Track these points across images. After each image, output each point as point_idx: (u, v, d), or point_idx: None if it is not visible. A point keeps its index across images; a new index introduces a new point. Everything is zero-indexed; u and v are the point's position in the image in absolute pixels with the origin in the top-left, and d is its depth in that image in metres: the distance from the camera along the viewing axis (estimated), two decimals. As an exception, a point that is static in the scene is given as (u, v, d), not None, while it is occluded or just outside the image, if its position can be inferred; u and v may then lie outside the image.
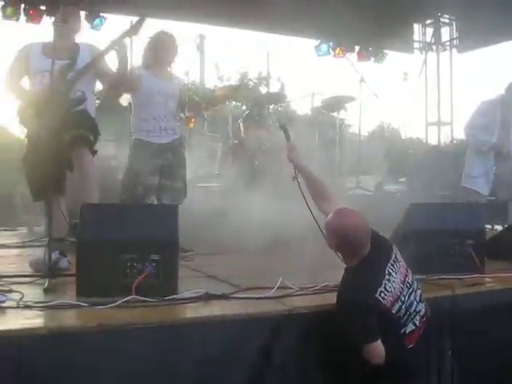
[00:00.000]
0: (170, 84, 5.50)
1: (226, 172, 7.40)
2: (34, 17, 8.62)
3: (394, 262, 3.11)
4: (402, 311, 2.98)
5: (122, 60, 4.70)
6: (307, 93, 8.95)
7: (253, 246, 4.96)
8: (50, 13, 8.64)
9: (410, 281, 3.10)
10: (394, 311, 2.95)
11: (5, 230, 7.95)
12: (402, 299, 3.00)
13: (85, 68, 4.57)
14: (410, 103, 12.57)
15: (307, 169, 3.73)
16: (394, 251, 3.19)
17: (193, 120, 7.80)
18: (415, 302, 3.06)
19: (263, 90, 17.78)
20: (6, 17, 8.51)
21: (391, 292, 2.95)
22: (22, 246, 6.05)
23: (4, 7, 8.49)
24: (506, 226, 5.62)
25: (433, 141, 12.88)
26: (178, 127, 5.72)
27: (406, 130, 19.89)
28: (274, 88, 17.31)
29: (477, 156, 5.97)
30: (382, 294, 2.92)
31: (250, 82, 18.76)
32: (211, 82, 23.54)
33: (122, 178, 5.52)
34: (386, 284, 2.96)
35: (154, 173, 5.22)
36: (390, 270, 3.04)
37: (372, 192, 8.08)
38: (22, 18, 8.62)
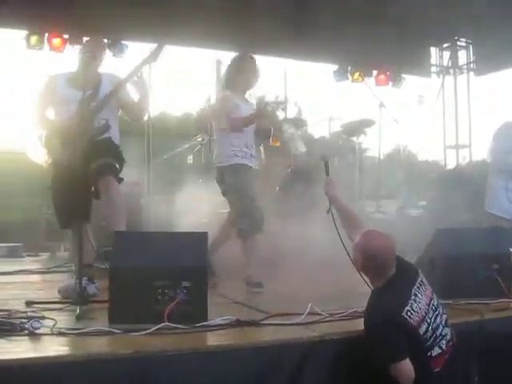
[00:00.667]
0: (252, 110, 5.28)
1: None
2: (57, 46, 8.76)
3: (420, 285, 3.15)
4: (429, 333, 3.01)
5: (142, 88, 4.77)
6: (325, 117, 9.01)
7: (277, 270, 5.00)
8: (72, 42, 8.80)
9: (435, 304, 3.14)
10: (420, 332, 2.98)
11: (28, 256, 8.05)
12: (428, 321, 3.03)
13: (106, 97, 4.63)
14: (427, 126, 12.53)
15: (342, 201, 3.80)
16: (420, 275, 3.24)
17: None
18: (441, 326, 3.09)
19: (280, 114, 17.80)
20: (30, 46, 8.66)
21: (417, 312, 2.99)
22: (47, 271, 6.14)
23: (28, 36, 8.64)
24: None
25: (451, 164, 12.88)
26: None
27: (423, 153, 19.81)
28: (291, 112, 17.33)
29: (502, 180, 5.94)
30: (409, 313, 2.96)
31: (268, 107, 18.79)
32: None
33: (233, 205, 5.13)
34: (412, 304, 3.00)
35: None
36: (416, 292, 3.08)
37: (393, 216, 8.07)
38: (46, 46, 8.77)
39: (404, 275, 3.18)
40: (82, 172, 4.05)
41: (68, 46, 8.77)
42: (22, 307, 3.68)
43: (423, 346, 2.99)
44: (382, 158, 8.82)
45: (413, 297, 3.04)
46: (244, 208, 4.95)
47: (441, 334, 3.06)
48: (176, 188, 7.49)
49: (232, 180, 5.02)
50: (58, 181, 4.58)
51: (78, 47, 8.74)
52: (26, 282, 5.27)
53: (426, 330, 3.00)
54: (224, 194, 5.22)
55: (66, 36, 8.80)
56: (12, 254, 8.20)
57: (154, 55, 4.65)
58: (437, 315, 3.10)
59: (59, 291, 4.25)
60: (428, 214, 8.31)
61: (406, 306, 2.98)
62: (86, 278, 4.11)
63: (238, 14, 9.01)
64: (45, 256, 7.95)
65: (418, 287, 3.13)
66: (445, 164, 12.78)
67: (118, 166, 4.67)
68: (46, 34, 8.73)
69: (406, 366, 2.90)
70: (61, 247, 8.21)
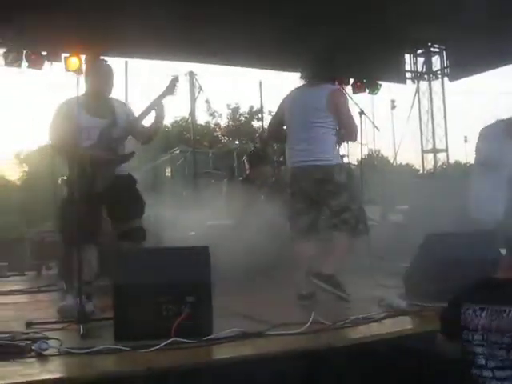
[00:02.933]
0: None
1: (233, 208, 7.47)
2: (35, 63, 8.74)
3: (498, 312, 2.60)
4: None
5: (159, 118, 4.82)
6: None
7: (270, 280, 5.05)
8: (51, 58, 8.80)
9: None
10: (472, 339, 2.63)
11: (14, 275, 7.98)
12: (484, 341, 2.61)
13: (125, 132, 4.73)
14: (402, 131, 12.70)
15: None
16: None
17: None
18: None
19: (255, 124, 17.90)
20: (8, 63, 8.62)
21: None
22: (39, 291, 6.10)
23: (6, 53, 8.60)
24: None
25: (428, 167, 13.07)
26: None
27: (397, 157, 20.00)
28: (267, 122, 17.40)
29: (487, 178, 6.00)
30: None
31: (242, 118, 18.90)
32: (202, 119, 23.72)
33: (345, 205, 4.81)
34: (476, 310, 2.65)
35: None
36: (488, 310, 2.63)
37: (377, 222, 8.12)
38: (24, 63, 8.74)
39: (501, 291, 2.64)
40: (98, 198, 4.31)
41: (47, 64, 8.78)
42: (23, 328, 3.67)
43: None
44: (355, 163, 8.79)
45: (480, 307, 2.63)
46: (361, 208, 4.94)
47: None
48: (160, 201, 7.48)
49: (345, 180, 4.85)
50: (72, 199, 4.52)
51: (56, 64, 8.82)
52: (20, 303, 5.24)
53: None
54: (328, 193, 4.85)
55: (44, 53, 8.80)
56: (-4, 274, 8.14)
57: (170, 88, 4.77)
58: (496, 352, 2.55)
59: (59, 311, 4.24)
60: (410, 219, 8.41)
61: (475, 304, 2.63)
62: (84, 296, 4.12)
63: (211, 23, 9.06)
64: (30, 275, 7.88)
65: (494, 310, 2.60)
66: (422, 168, 12.98)
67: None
68: (24, 51, 8.71)
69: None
70: (44, 266, 8.12)
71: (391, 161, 18.95)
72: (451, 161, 13.32)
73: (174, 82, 4.75)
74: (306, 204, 4.91)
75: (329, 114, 4.80)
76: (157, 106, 4.76)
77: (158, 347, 3.00)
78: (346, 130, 4.94)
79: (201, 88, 8.70)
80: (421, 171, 13.89)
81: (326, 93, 4.84)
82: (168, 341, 3.06)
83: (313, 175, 4.81)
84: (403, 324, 3.74)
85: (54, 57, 8.75)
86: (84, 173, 4.41)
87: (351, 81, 11.15)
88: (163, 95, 4.75)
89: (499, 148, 5.81)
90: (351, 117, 4.99)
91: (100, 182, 4.52)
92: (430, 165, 12.81)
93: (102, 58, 8.63)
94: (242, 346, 3.15)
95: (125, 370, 2.77)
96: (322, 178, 4.78)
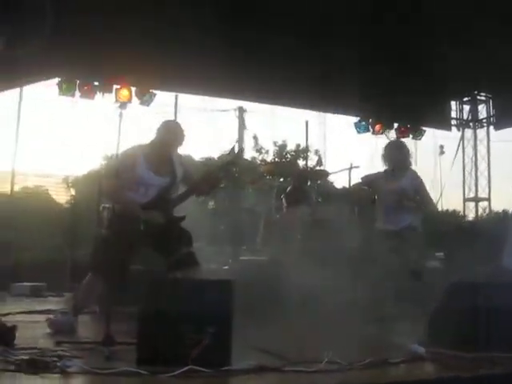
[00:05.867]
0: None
1: (268, 246, 7.58)
2: (87, 92, 9.09)
3: None
4: None
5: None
6: (345, 166, 9.14)
7: (298, 318, 5.11)
8: (102, 89, 9.13)
9: None
10: None
11: (51, 296, 8.22)
12: None
13: (185, 195, 4.93)
14: (447, 177, 12.68)
15: None
16: None
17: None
18: None
19: (301, 162, 18.00)
20: (62, 93, 8.99)
21: None
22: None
23: (60, 83, 8.98)
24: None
25: (470, 215, 12.97)
26: None
27: (443, 203, 19.79)
28: (312, 161, 17.48)
29: None
30: None
31: (288, 155, 19.03)
32: (249, 154, 23.95)
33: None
34: None
35: None
36: None
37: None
38: (77, 93, 9.10)
39: None
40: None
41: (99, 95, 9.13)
42: (52, 345, 3.84)
43: None
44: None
45: None
46: None
47: None
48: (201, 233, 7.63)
49: None
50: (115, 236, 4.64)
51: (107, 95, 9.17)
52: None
53: None
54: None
55: (96, 83, 9.15)
56: (35, 293, 8.39)
57: (233, 161, 5.11)
58: None
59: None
60: (446, 266, 8.38)
61: None
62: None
63: (259, 65, 9.27)
64: (67, 296, 8.08)
65: None
66: (464, 216, 12.88)
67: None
68: (77, 81, 9.07)
69: None
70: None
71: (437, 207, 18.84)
72: (499, 209, 13.21)
73: (234, 153, 5.05)
74: None
75: None
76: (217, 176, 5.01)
77: (174, 373, 3.11)
78: None
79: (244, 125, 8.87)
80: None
81: None
82: (185, 368, 3.16)
83: None
84: (420, 369, 3.78)
85: (105, 87, 9.08)
86: (131, 228, 4.54)
87: (395, 125, 11.21)
88: (224, 166, 5.05)
89: None
90: None
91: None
92: (471, 213, 12.73)
93: (152, 90, 9.10)
94: (257, 380, 3.23)
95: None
96: None
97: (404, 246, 5.73)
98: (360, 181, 6.59)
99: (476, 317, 4.23)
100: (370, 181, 6.44)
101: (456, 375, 3.58)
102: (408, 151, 6.41)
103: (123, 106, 8.77)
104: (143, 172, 4.69)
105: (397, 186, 6.05)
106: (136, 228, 4.52)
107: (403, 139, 11.07)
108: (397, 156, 6.21)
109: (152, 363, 3.27)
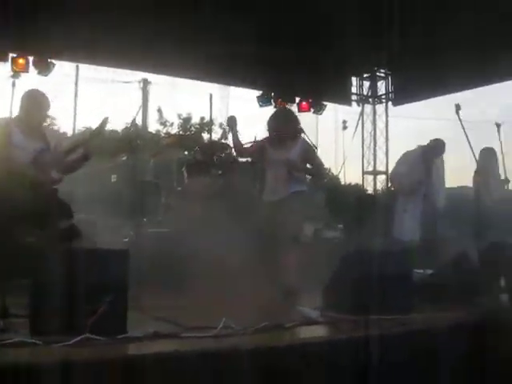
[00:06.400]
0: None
1: (170, 218, 7.60)
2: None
3: None
4: None
5: (86, 157, 5.00)
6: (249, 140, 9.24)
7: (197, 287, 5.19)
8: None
9: None
10: None
11: None
12: None
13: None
14: (348, 151, 13.08)
15: None
16: None
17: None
18: None
19: (205, 136, 18.03)
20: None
21: None
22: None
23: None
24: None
25: (369, 188, 13.43)
26: None
27: (345, 177, 20.40)
28: (216, 133, 17.54)
29: (400, 203, 6.42)
30: None
31: (193, 128, 18.99)
32: (153, 127, 23.70)
33: None
34: None
35: None
36: None
37: (309, 239, 8.35)
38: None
39: None
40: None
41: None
42: None
43: None
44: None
45: None
46: None
47: None
48: (100, 206, 7.55)
49: None
50: None
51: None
52: None
53: None
54: None
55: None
56: None
57: (100, 130, 4.93)
58: None
59: None
60: (343, 237, 8.71)
61: None
62: None
63: (163, 36, 9.17)
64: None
65: None
66: (363, 189, 13.32)
67: None
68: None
69: None
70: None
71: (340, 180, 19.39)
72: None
73: (104, 123, 4.89)
74: None
75: None
76: (84, 144, 4.92)
77: (69, 342, 3.12)
78: None
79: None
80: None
81: None
82: (80, 337, 3.18)
83: None
84: (314, 332, 3.97)
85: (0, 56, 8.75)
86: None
87: (296, 99, 11.41)
88: (93, 135, 4.94)
89: (416, 171, 6.21)
90: None
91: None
92: (370, 186, 13.18)
93: (51, 60, 8.84)
94: (152, 346, 3.29)
95: (35, 361, 2.88)
96: None
97: (283, 214, 5.59)
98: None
99: (367, 283, 4.47)
100: (259, 146, 6.07)
101: (348, 336, 3.80)
102: (295, 119, 6.09)
103: (16, 75, 8.48)
104: (16, 136, 4.71)
105: (285, 156, 5.72)
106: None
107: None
108: (282, 124, 5.86)
109: (48, 334, 3.26)
